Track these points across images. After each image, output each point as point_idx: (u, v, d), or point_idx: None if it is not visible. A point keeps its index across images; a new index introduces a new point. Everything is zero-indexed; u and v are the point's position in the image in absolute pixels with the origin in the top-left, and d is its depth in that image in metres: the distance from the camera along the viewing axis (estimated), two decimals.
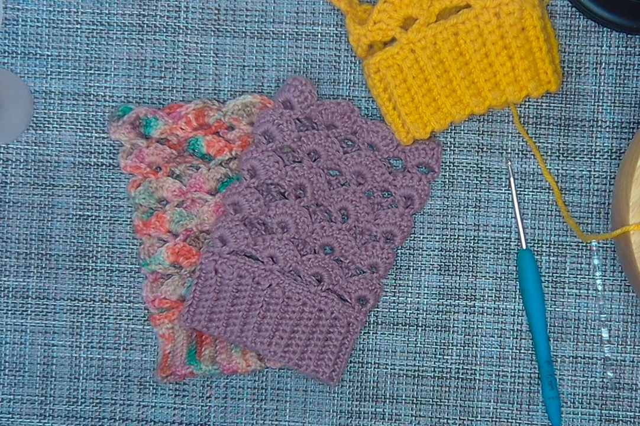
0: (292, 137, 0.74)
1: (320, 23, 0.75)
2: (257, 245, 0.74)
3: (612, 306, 0.75)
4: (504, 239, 0.75)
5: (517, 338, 0.75)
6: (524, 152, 0.75)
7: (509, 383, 0.76)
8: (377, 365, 0.76)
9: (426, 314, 0.76)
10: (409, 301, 0.76)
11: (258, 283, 0.74)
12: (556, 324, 0.75)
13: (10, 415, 0.76)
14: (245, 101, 0.74)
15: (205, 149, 0.75)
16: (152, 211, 0.75)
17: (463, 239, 0.75)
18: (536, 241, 0.75)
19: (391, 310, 0.76)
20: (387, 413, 0.76)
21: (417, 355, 0.76)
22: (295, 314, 0.74)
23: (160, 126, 0.74)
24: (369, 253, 0.74)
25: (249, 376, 0.76)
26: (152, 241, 0.75)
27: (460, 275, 0.75)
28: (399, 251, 0.76)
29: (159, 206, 0.75)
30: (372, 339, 0.76)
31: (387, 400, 0.76)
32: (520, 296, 0.75)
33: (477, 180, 0.75)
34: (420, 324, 0.76)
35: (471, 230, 0.75)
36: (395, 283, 0.76)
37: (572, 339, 0.75)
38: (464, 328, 0.76)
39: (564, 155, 0.75)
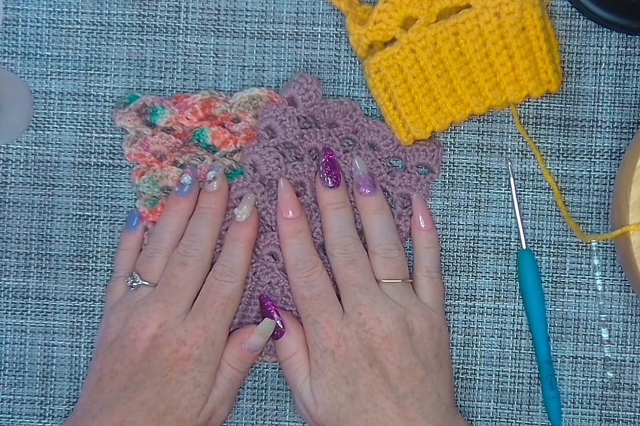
0: (295, 134, 0.74)
1: (320, 23, 0.76)
2: (259, 242, 0.74)
3: (612, 306, 0.75)
4: (504, 239, 0.75)
5: (517, 338, 0.75)
6: (524, 152, 0.75)
7: (509, 383, 0.76)
8: None
9: None
10: None
11: (259, 278, 0.74)
12: (556, 324, 0.75)
13: (10, 415, 0.76)
14: (252, 93, 0.74)
15: (210, 140, 0.75)
16: (155, 198, 0.75)
17: (463, 239, 0.75)
18: (536, 241, 0.75)
19: None
20: None
21: None
22: (293, 313, 0.74)
23: (166, 114, 0.74)
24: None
25: (249, 376, 0.76)
26: None
27: (460, 275, 0.75)
28: None
29: (163, 194, 0.75)
30: None
31: None
32: (520, 296, 0.75)
33: (477, 180, 0.75)
34: None
35: (471, 230, 0.75)
36: None
37: (572, 339, 0.75)
38: (464, 328, 0.75)
39: (564, 155, 0.75)
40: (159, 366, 0.70)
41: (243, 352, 0.72)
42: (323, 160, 0.73)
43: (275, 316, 0.73)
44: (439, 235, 0.75)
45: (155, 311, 0.70)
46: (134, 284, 0.72)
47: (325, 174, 0.73)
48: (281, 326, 0.72)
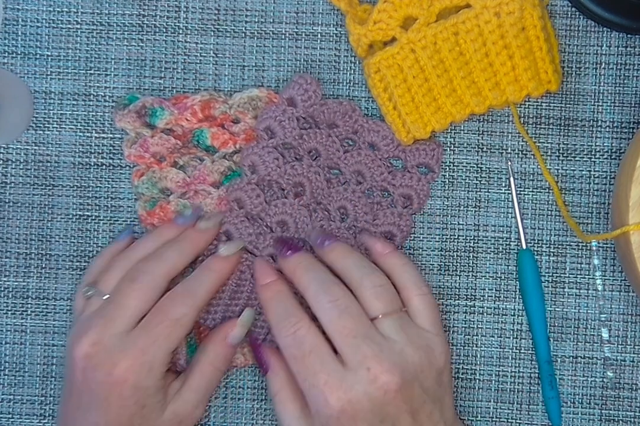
0: (294, 135, 0.74)
1: (320, 23, 0.76)
2: (259, 243, 0.74)
3: (612, 306, 0.75)
4: (504, 239, 0.75)
5: (517, 338, 0.75)
6: (524, 152, 0.75)
7: (509, 383, 0.76)
8: None
9: None
10: None
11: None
12: (556, 324, 0.75)
13: (10, 415, 0.76)
14: (252, 94, 0.74)
15: (210, 141, 0.75)
16: (155, 201, 0.75)
17: (463, 239, 0.75)
18: (536, 241, 0.75)
19: None
20: None
21: None
22: None
23: (166, 116, 0.74)
24: (369, 253, 0.74)
25: (249, 376, 0.76)
26: None
27: (460, 275, 0.75)
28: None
29: (162, 196, 0.75)
30: None
31: None
32: (520, 296, 0.75)
33: (477, 180, 0.75)
34: None
35: (471, 230, 0.75)
36: None
37: (572, 339, 0.75)
38: (464, 328, 0.75)
39: (564, 155, 0.75)
40: (97, 388, 0.66)
41: (227, 348, 0.71)
42: (276, 243, 0.72)
43: (261, 355, 0.71)
44: (439, 235, 0.75)
45: (91, 328, 0.67)
46: (88, 293, 0.70)
47: (283, 249, 0.71)
48: (263, 364, 0.70)
